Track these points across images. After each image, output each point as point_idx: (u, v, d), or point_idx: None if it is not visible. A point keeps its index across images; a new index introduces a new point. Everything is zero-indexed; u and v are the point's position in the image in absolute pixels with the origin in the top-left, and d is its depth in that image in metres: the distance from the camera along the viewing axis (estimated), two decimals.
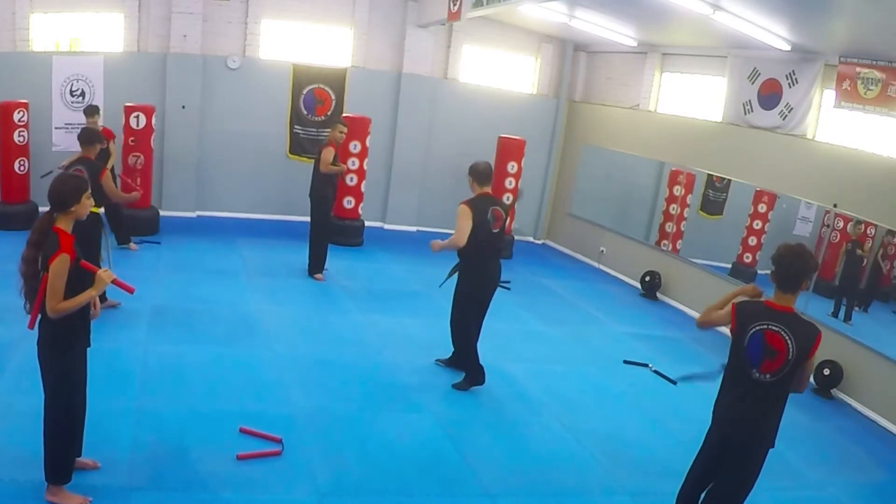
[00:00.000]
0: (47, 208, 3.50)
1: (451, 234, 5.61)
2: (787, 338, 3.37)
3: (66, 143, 9.24)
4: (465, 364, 5.92)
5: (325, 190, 8.13)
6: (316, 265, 8.38)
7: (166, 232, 9.38)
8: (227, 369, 5.61)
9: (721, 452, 3.59)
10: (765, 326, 3.42)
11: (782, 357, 3.38)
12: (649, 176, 10.51)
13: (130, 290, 3.67)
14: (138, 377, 5.24)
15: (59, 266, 3.32)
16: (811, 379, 6.91)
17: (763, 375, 3.43)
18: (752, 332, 3.44)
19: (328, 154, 7.93)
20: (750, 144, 8.60)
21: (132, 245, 8.47)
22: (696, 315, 9.05)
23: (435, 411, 5.43)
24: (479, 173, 5.69)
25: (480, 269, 5.72)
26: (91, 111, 8.32)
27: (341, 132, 8.09)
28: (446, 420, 5.32)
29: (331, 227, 8.55)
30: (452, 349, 6.18)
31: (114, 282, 3.51)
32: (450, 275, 5.86)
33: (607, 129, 11.28)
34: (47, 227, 3.41)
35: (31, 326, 3.49)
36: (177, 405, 4.91)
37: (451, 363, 6.18)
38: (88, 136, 6.26)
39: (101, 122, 8.49)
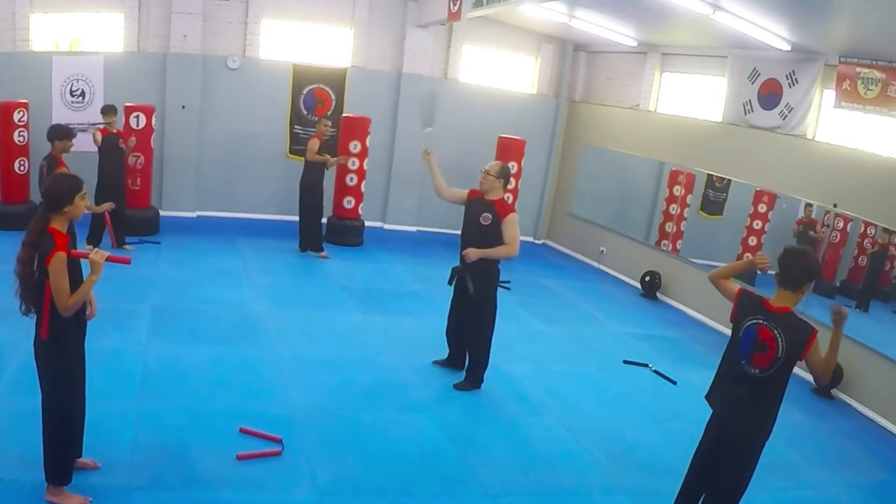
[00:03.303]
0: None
1: (505, 245, 5.49)
2: (777, 335, 3.43)
3: None
4: (479, 368, 5.90)
5: (315, 178, 9.04)
6: (315, 243, 9.26)
7: (166, 232, 9.38)
8: (227, 369, 5.61)
9: (717, 443, 3.63)
10: (759, 321, 3.49)
11: (772, 353, 3.44)
12: (649, 176, 10.50)
13: (127, 261, 3.61)
14: (138, 377, 5.24)
15: (57, 265, 3.32)
16: (812, 379, 6.93)
17: (753, 369, 3.50)
18: (746, 325, 3.53)
19: (313, 144, 8.90)
20: (750, 144, 8.60)
21: (127, 246, 8.46)
22: (696, 315, 9.09)
23: (435, 411, 5.43)
24: (508, 176, 5.68)
25: (498, 270, 5.79)
26: (106, 111, 8.33)
27: (325, 125, 9.10)
28: (446, 420, 5.31)
29: (320, 210, 9.24)
30: (449, 350, 6.18)
31: (109, 259, 3.46)
32: (471, 283, 5.71)
33: (607, 129, 11.28)
34: (42, 228, 3.39)
35: (45, 336, 3.46)
36: (177, 405, 4.91)
37: (448, 364, 6.18)
38: (50, 133, 7.11)
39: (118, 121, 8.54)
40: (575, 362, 6.95)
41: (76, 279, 3.46)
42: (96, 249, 3.47)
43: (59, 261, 3.32)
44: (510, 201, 10.61)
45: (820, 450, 5.81)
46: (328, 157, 9.11)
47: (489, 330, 5.84)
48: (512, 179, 10.65)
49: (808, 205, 7.86)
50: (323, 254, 9.22)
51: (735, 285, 3.77)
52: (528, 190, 11.63)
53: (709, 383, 3.77)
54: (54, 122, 9.46)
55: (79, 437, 3.85)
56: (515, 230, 5.50)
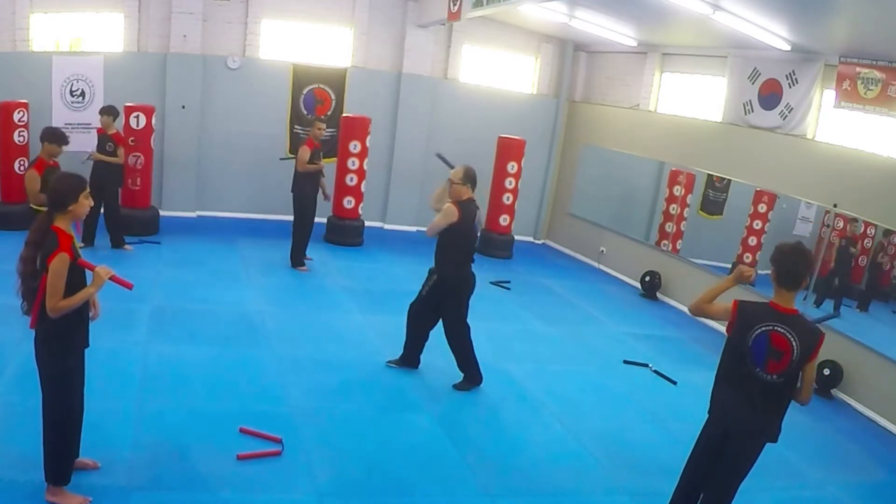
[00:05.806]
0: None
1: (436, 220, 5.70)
2: (792, 339, 3.41)
3: None
4: (468, 366, 5.92)
5: (304, 187, 8.46)
6: (296, 258, 8.66)
7: (166, 232, 9.38)
8: (227, 369, 5.61)
9: (720, 446, 3.61)
10: (770, 328, 3.44)
11: (787, 358, 3.42)
12: (649, 176, 10.51)
13: (129, 286, 3.65)
14: (138, 377, 5.24)
15: (59, 265, 3.32)
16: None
17: (769, 375, 3.46)
18: (757, 332, 3.46)
19: (304, 153, 8.33)
20: (750, 144, 8.60)
21: (127, 246, 8.45)
22: None
23: (435, 411, 5.43)
24: (473, 179, 5.71)
25: (468, 272, 5.84)
26: (101, 111, 8.32)
27: (319, 128, 8.63)
28: (446, 420, 5.32)
29: (307, 223, 8.63)
30: (405, 348, 6.14)
31: (112, 278, 3.49)
32: (430, 283, 5.89)
33: (607, 129, 11.28)
34: (46, 227, 3.41)
35: (33, 326, 3.48)
36: (177, 405, 4.91)
37: (402, 363, 6.13)
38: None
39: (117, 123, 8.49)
40: (575, 362, 6.95)
41: (79, 284, 3.45)
42: (103, 265, 3.50)
43: (61, 261, 3.32)
44: (510, 202, 10.73)
45: (820, 450, 5.81)
46: (322, 165, 8.60)
47: (462, 324, 5.85)
48: (512, 179, 10.75)
49: (854, 219, 7.40)
50: (303, 268, 8.63)
51: (724, 303, 3.69)
52: (528, 190, 11.62)
53: (709, 383, 3.75)
54: (54, 122, 9.49)
55: (77, 437, 3.84)
56: (441, 216, 5.65)
